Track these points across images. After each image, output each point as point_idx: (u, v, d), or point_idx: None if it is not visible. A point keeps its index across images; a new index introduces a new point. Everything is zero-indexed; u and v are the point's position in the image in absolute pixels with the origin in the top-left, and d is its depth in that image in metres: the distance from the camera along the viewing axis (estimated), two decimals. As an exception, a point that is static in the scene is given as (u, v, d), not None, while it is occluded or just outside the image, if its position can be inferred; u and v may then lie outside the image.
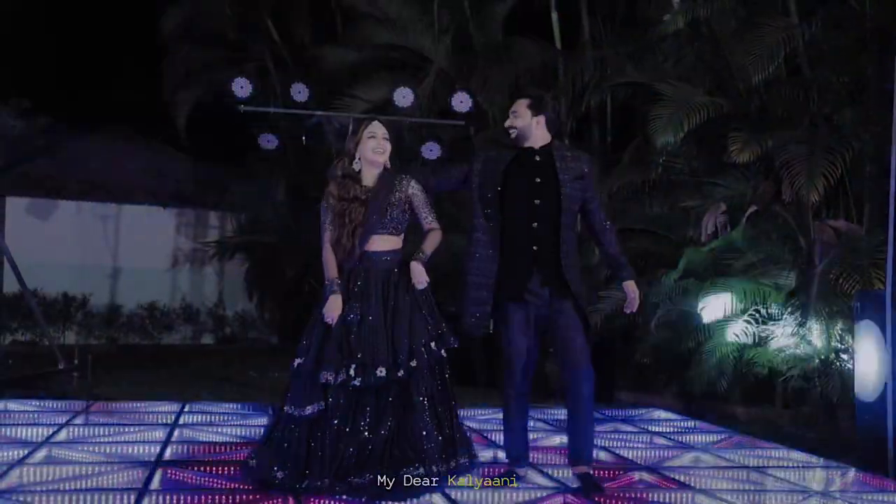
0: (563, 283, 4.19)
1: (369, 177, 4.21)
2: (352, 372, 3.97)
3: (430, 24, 11.62)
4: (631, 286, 4.32)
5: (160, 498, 3.90)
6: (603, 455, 5.25)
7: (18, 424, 5.61)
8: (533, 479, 4.54)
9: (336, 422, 3.97)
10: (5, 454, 4.67)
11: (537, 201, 4.20)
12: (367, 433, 3.96)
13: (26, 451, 4.70)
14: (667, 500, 4.27)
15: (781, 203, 7.58)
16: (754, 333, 7.45)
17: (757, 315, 7.51)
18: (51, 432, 5.32)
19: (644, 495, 4.30)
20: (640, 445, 5.68)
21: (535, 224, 4.20)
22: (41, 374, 8.70)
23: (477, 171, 4.35)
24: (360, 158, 4.20)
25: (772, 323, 7.40)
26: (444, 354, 4.16)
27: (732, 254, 7.89)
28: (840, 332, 6.93)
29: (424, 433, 3.98)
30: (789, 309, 7.23)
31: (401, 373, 4.01)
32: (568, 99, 10.36)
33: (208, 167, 14.91)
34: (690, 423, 6.75)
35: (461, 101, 9.17)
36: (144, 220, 14.82)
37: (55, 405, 6.54)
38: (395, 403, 4.04)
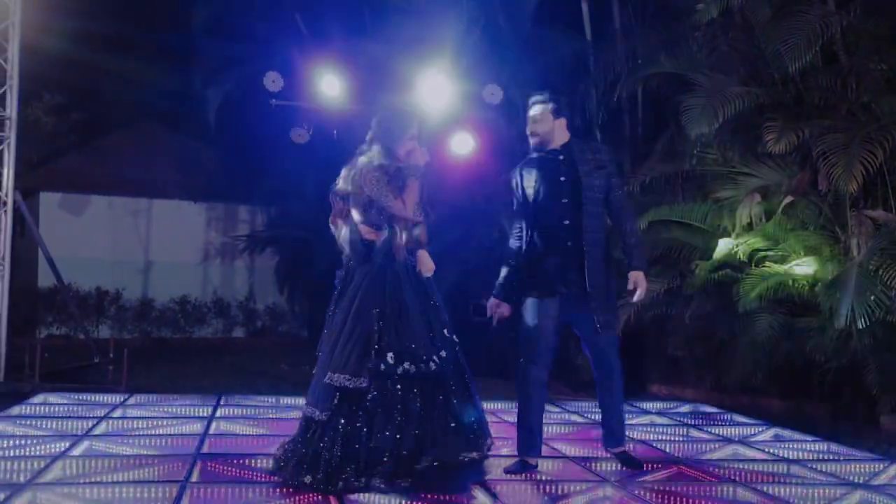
0: (594, 276, 4.33)
1: None
2: (389, 361, 4.00)
3: (458, 15, 11.58)
4: (637, 276, 4.40)
5: (201, 490, 3.92)
6: (641, 448, 5.22)
7: (58, 417, 5.67)
8: (573, 473, 4.52)
9: (369, 420, 3.97)
10: (48, 447, 4.73)
11: (565, 200, 4.39)
12: (413, 426, 3.96)
13: (68, 444, 4.75)
14: (709, 493, 4.23)
15: (818, 193, 7.46)
16: (791, 325, 7.35)
17: (794, 307, 7.41)
18: (91, 425, 5.38)
19: (685, 488, 4.26)
20: (677, 439, 5.64)
21: (567, 221, 4.37)
22: (78, 367, 8.82)
23: (516, 180, 4.58)
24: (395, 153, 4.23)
25: (809, 315, 7.30)
26: (456, 339, 4.25)
27: (768, 245, 7.79)
28: (879, 323, 6.81)
29: (467, 419, 4.05)
30: (827, 301, 7.12)
31: (432, 365, 4.05)
32: (599, 90, 10.28)
33: (239, 162, 14.99)
34: (727, 416, 6.69)
35: (492, 94, 9.15)
36: (176, 215, 14.96)
37: (93, 398, 6.62)
38: (433, 395, 4.05)
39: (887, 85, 7.43)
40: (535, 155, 4.57)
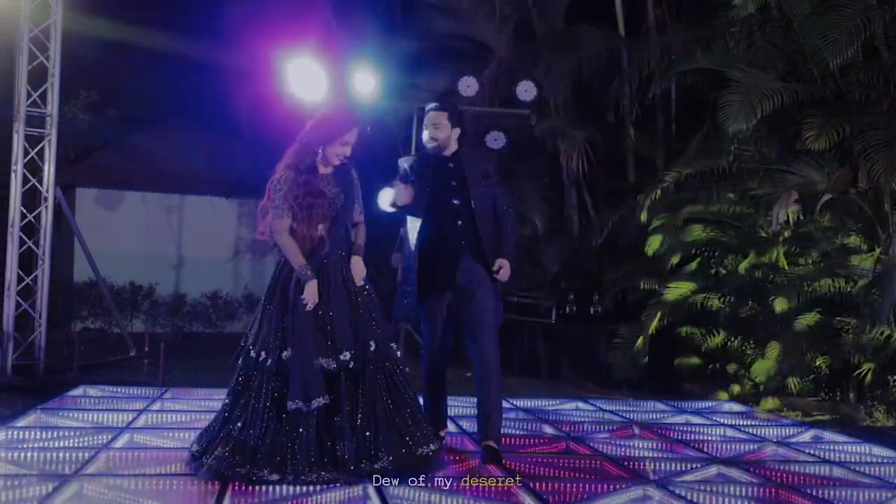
0: (487, 275, 4.57)
1: (323, 169, 4.30)
2: (345, 356, 4.07)
3: (491, 12, 11.57)
4: (503, 262, 4.60)
5: (244, 486, 3.94)
6: (680, 448, 5.19)
7: (98, 410, 5.73)
8: (613, 472, 4.51)
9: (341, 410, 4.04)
10: (90, 439, 4.79)
11: (456, 201, 4.62)
12: (362, 419, 4.03)
13: (110, 437, 4.81)
14: (750, 494, 4.19)
15: (857, 191, 7.36)
16: (828, 325, 7.27)
17: (831, 306, 7.33)
18: (131, 418, 5.44)
19: (727, 489, 4.22)
20: (714, 439, 5.59)
21: (460, 222, 4.60)
22: (114, 360, 8.94)
23: (405, 170, 4.71)
24: (321, 154, 4.25)
25: (847, 314, 7.22)
26: (395, 348, 4.32)
27: (806, 243, 7.71)
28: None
29: (409, 412, 4.13)
30: (867, 300, 7.04)
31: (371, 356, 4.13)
32: (633, 87, 10.23)
33: (269, 158, 15.03)
34: (763, 416, 6.63)
35: (526, 91, 9.13)
36: (207, 211, 15.06)
37: (131, 391, 6.68)
38: (377, 387, 4.12)
39: (930, 81, 7.32)
40: (429, 154, 4.71)
